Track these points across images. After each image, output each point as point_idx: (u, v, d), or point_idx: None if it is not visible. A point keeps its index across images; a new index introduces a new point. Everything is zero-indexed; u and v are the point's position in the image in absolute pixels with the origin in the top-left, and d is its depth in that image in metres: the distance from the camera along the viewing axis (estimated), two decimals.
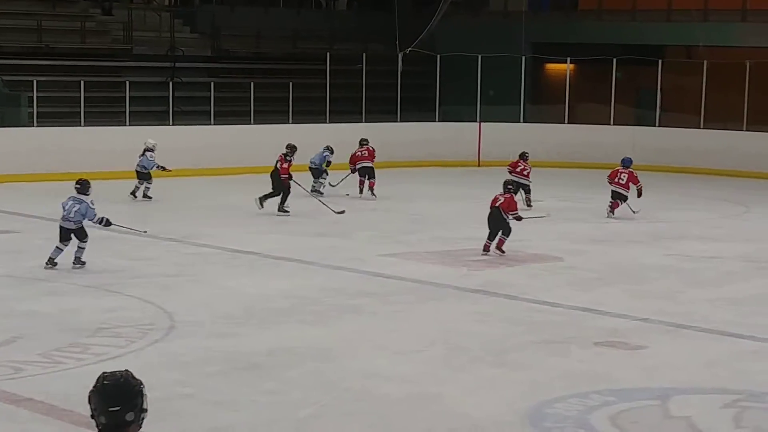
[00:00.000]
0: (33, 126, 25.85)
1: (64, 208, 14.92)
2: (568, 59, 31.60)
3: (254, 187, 20.77)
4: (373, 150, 23.86)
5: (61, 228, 14.83)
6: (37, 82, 25.87)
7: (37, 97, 25.74)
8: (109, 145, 25.76)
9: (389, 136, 28.92)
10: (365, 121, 29.87)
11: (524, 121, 30.95)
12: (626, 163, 21.04)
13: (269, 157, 24.84)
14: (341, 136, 27.85)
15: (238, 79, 30.46)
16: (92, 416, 4.45)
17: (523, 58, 31.31)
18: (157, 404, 8.81)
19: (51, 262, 14.58)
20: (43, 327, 11.46)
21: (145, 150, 22.35)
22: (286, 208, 20.22)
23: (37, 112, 25.87)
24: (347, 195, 22.57)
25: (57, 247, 14.71)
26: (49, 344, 10.71)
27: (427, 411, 9.03)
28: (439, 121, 30.66)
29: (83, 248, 14.86)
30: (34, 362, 10.08)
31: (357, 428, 8.60)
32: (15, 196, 21.67)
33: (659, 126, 30.32)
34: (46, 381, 9.54)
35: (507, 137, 27.98)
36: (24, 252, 15.95)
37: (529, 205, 21.31)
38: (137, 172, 22.11)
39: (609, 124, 30.20)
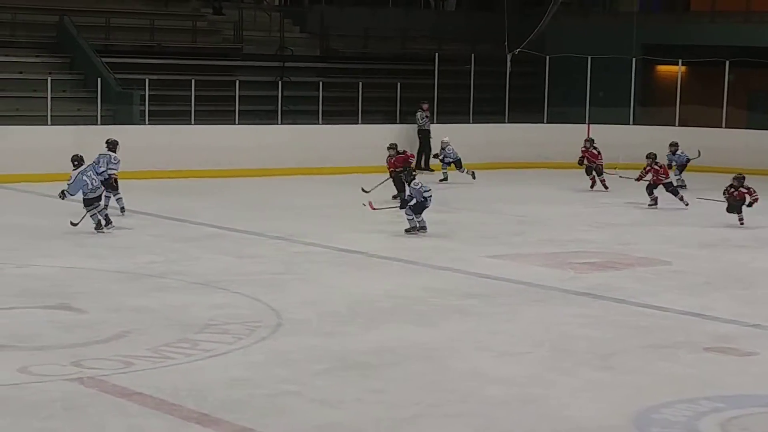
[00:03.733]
0: (144, 124, 26.23)
1: None
2: (680, 61, 31.21)
3: (358, 188, 20.79)
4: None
5: None
6: (149, 80, 26.24)
7: (149, 95, 26.12)
8: (218, 143, 26.05)
9: (496, 137, 28.88)
10: (473, 122, 29.81)
11: (634, 123, 30.64)
12: None
13: (376, 156, 24.99)
14: (448, 136, 27.82)
15: (346, 78, 30.58)
16: None
17: (634, 59, 31.00)
18: (263, 401, 8.97)
19: None
20: (153, 322, 11.61)
21: None
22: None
23: (149, 110, 26.25)
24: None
25: None
26: (158, 339, 10.85)
27: (531, 413, 8.97)
28: (547, 122, 30.47)
29: None
30: (143, 357, 10.22)
31: (461, 429, 8.57)
32: (126, 193, 21.95)
33: None
34: (156, 376, 9.66)
35: (616, 139, 27.66)
36: (134, 248, 16.18)
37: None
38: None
39: (721, 127, 29.75)
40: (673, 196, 21.75)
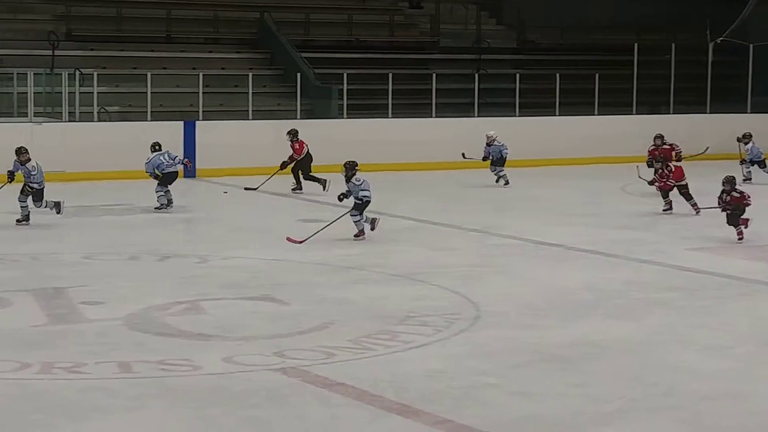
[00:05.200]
0: (342, 118, 26.55)
1: None
2: None
3: (555, 180, 20.74)
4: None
5: None
6: (347, 75, 26.55)
7: (347, 89, 26.42)
8: (415, 137, 26.17)
9: (698, 127, 28.27)
10: (673, 113, 29.30)
11: None
12: None
13: (574, 148, 24.83)
14: (647, 128, 27.39)
15: (543, 70, 30.39)
16: None
17: None
18: (462, 393, 8.97)
19: None
20: (353, 314, 11.74)
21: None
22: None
23: (347, 105, 26.56)
24: None
25: None
26: (359, 331, 10.96)
27: (738, 408, 8.75)
28: (750, 112, 29.71)
29: None
30: (344, 348, 10.33)
31: (665, 424, 8.41)
32: None
33: None
34: (357, 366, 9.76)
35: None
36: (334, 240, 16.38)
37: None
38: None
39: None
40: (685, 201, 19.20)
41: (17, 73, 25.07)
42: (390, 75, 26.87)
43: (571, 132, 27.50)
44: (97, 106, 24.93)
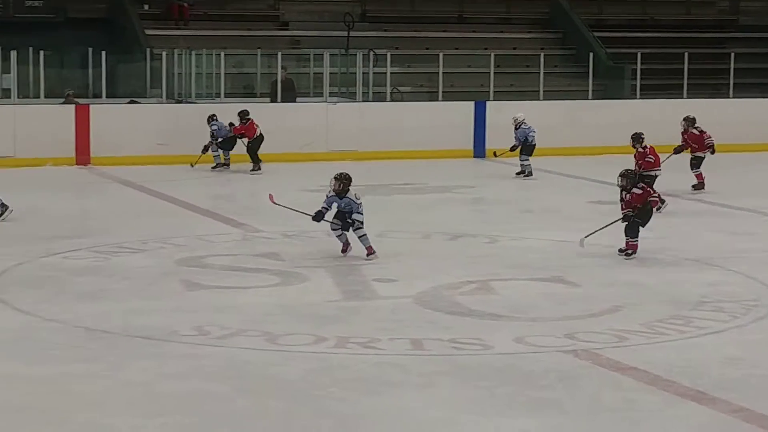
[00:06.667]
0: (635, 98, 26.09)
1: None
2: None
3: None
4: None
5: None
6: (641, 54, 26.07)
7: (641, 69, 25.95)
8: (710, 118, 25.41)
9: None
10: None
11: None
12: None
13: None
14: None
15: None
16: None
17: None
18: (761, 381, 8.68)
19: None
20: (645, 297, 11.54)
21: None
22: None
23: (641, 85, 26.09)
24: None
25: None
26: (651, 315, 10.75)
27: None
28: None
29: None
30: (636, 332, 10.15)
31: None
32: (605, 167, 21.85)
33: None
34: (649, 351, 9.57)
35: None
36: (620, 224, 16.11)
37: None
38: None
39: None
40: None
41: (314, 54, 25.75)
42: (686, 54, 26.23)
43: None
44: (390, 86, 25.33)
